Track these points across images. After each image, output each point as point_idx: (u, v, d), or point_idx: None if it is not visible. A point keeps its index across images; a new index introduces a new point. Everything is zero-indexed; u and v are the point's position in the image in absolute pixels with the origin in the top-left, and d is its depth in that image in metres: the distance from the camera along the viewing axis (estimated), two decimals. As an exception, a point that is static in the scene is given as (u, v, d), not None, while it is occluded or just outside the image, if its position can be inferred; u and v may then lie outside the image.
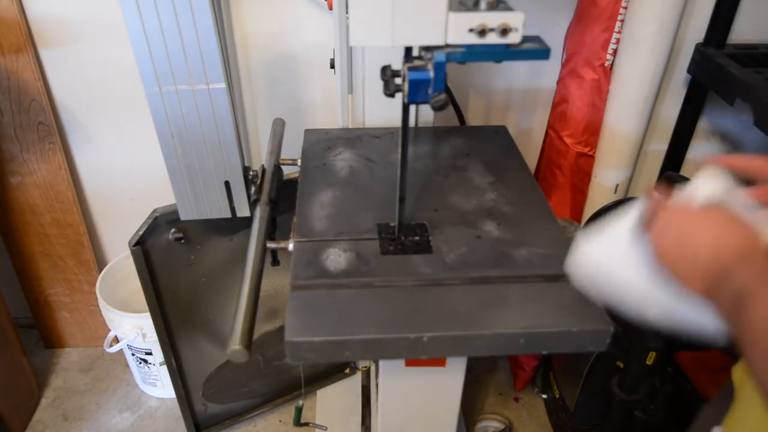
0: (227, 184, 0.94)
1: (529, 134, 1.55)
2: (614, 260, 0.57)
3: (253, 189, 0.98)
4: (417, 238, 0.83)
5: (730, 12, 1.25)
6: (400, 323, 0.69)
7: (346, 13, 1.00)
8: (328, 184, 0.97)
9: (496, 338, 0.68)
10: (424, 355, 0.69)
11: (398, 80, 0.67)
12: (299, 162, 1.05)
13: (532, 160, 1.58)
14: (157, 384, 1.59)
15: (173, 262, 1.20)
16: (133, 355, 1.53)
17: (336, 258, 0.79)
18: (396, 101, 0.69)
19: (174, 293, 1.23)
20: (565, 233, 0.85)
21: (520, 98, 1.50)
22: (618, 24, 1.20)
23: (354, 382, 1.62)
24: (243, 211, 0.98)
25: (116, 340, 1.50)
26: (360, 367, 1.63)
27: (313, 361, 0.94)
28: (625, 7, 1.18)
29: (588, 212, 1.45)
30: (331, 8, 1.03)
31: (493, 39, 0.59)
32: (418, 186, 0.96)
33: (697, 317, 0.52)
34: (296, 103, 1.44)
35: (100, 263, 1.65)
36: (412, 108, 1.07)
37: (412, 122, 1.00)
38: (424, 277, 0.76)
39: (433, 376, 0.94)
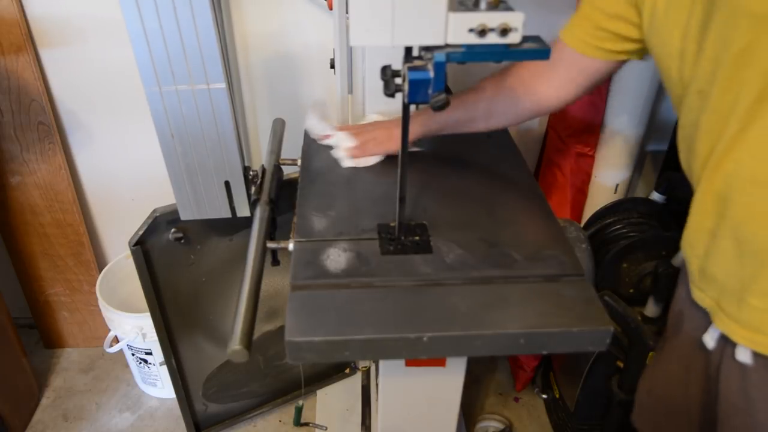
0: (227, 184, 0.94)
1: (529, 134, 1.55)
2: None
3: (253, 189, 0.98)
4: (417, 238, 0.83)
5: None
6: (400, 323, 0.69)
7: (346, 13, 1.00)
8: (328, 184, 0.97)
9: (496, 338, 0.68)
10: (424, 355, 0.69)
11: (398, 80, 0.67)
12: (299, 162, 1.05)
13: (532, 160, 1.58)
14: (157, 384, 1.60)
15: (173, 262, 1.20)
16: (133, 355, 1.53)
17: (336, 258, 0.79)
18: (396, 101, 0.69)
19: (174, 293, 1.23)
20: (565, 233, 0.85)
21: (520, 98, 1.50)
22: (618, 24, 1.20)
23: (354, 382, 1.62)
24: (243, 211, 0.98)
25: (116, 340, 1.50)
26: (360, 367, 1.63)
27: (313, 361, 0.94)
28: (625, 7, 1.18)
29: (588, 212, 1.44)
30: (331, 8, 1.03)
31: (493, 39, 0.59)
32: (419, 186, 0.96)
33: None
34: (296, 103, 1.45)
35: (100, 263, 1.65)
36: (412, 108, 1.07)
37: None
38: (424, 277, 0.76)
39: (433, 376, 0.94)
